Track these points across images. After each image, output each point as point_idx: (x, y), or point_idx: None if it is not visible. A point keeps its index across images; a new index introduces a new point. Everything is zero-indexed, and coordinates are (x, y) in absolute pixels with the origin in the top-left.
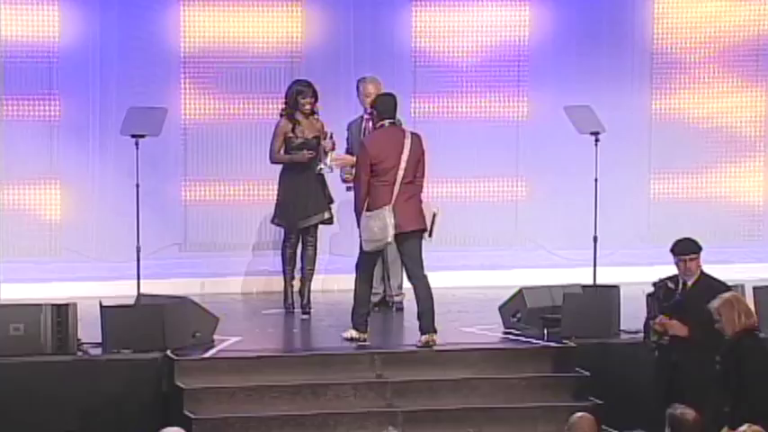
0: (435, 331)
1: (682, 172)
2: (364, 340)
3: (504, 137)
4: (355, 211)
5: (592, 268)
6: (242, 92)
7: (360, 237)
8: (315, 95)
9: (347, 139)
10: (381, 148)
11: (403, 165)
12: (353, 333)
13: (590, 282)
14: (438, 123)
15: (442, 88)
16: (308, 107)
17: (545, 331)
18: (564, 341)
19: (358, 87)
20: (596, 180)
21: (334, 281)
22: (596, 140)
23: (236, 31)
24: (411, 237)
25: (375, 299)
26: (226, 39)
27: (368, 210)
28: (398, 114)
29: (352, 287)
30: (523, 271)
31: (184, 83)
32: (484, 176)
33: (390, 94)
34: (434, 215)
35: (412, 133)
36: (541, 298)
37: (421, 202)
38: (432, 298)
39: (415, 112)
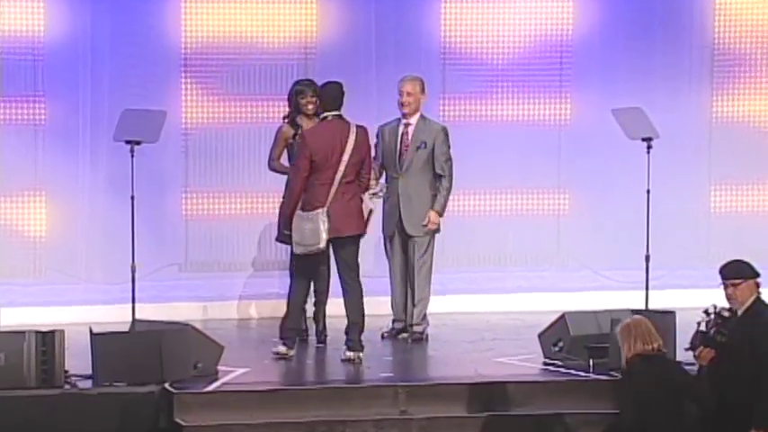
0: (362, 349)
1: (746, 182)
2: (291, 357)
3: (545, 143)
4: (281, 207)
5: (644, 291)
6: (249, 93)
7: (283, 241)
8: (317, 95)
9: (376, 145)
10: (324, 142)
11: (343, 165)
12: (281, 348)
13: (641, 306)
14: (470, 127)
15: (474, 88)
16: (309, 108)
17: (590, 362)
18: (612, 373)
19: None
20: (648, 192)
21: None
22: (648, 147)
23: (243, 25)
24: (349, 242)
25: (399, 325)
26: (231, 34)
27: (302, 209)
28: (428, 115)
29: (372, 311)
30: (566, 294)
31: (185, 83)
32: (521, 188)
33: (337, 83)
34: (371, 211)
35: (357, 127)
36: (586, 324)
37: (362, 201)
38: (363, 312)
39: (444, 115)
